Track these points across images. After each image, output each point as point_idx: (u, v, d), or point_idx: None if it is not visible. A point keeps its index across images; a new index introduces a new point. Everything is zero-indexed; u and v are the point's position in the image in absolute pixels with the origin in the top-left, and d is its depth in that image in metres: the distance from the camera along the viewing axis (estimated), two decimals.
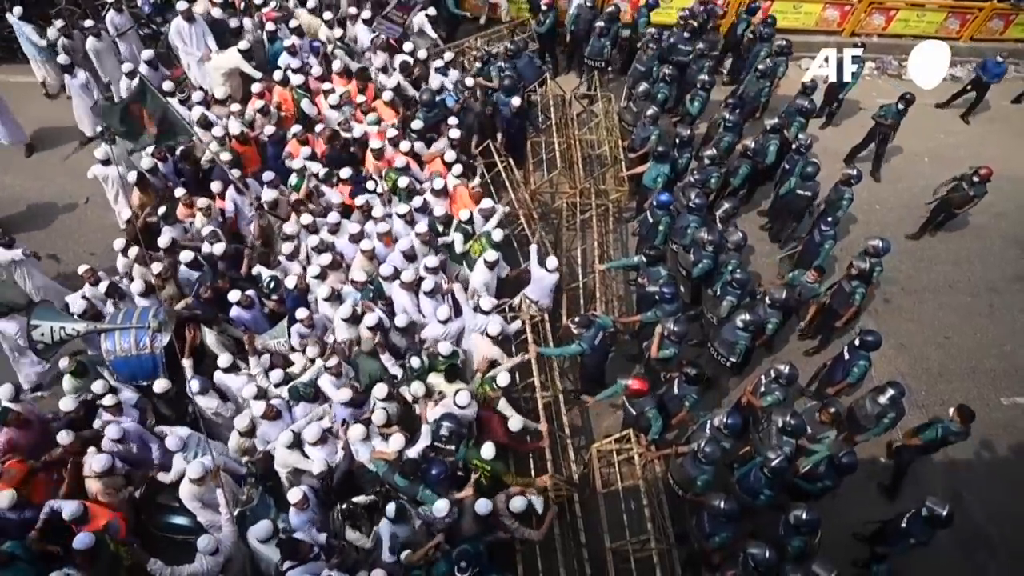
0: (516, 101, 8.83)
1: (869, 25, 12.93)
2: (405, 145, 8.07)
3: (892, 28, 13.11)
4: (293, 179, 7.85)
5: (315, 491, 5.66)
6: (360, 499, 5.71)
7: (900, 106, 9.88)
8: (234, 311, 6.73)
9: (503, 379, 6.19)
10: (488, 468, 5.85)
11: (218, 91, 8.75)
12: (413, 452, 5.77)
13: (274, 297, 6.87)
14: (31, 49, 9.49)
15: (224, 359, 6.22)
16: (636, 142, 9.39)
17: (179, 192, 7.50)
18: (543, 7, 10.61)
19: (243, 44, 8.93)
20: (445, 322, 6.59)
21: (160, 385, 6.06)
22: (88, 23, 9.20)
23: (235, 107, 8.45)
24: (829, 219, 8.22)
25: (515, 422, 6.10)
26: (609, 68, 11.03)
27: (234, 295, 6.64)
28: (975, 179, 9.07)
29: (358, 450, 5.87)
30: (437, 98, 8.65)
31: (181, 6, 9.02)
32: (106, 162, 7.66)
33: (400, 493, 5.62)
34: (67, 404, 5.89)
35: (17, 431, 5.74)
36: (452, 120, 8.51)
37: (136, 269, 6.91)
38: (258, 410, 5.89)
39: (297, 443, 5.78)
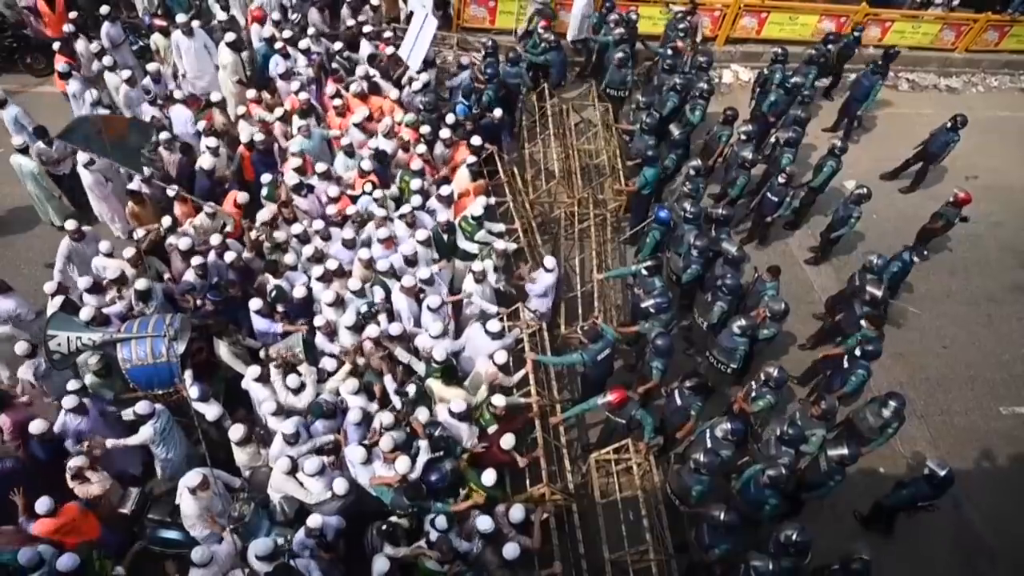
0: (498, 113, 8.83)
1: (865, 36, 13.00)
2: (422, 148, 8.09)
3: (888, 39, 13.19)
4: (265, 191, 7.72)
5: (337, 531, 5.48)
6: (395, 520, 5.58)
7: (948, 124, 9.90)
8: (254, 319, 6.65)
9: (499, 400, 6.11)
10: (484, 494, 5.82)
11: (231, 104, 8.76)
12: (416, 474, 5.61)
13: (279, 308, 6.76)
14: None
15: (253, 370, 6.16)
16: (632, 151, 9.43)
17: (171, 191, 7.40)
18: (543, 44, 10.33)
19: (229, 36, 8.88)
20: (437, 337, 6.48)
21: (212, 412, 5.98)
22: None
23: (240, 109, 8.44)
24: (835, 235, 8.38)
25: (507, 439, 5.97)
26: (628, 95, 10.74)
27: (255, 303, 6.54)
28: (950, 200, 9.09)
29: (357, 473, 5.72)
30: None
31: (180, 18, 9.02)
32: (88, 164, 7.62)
33: (412, 513, 5.54)
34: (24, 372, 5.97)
35: (13, 411, 5.79)
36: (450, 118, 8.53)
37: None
38: (287, 430, 5.73)
39: (294, 470, 5.61)
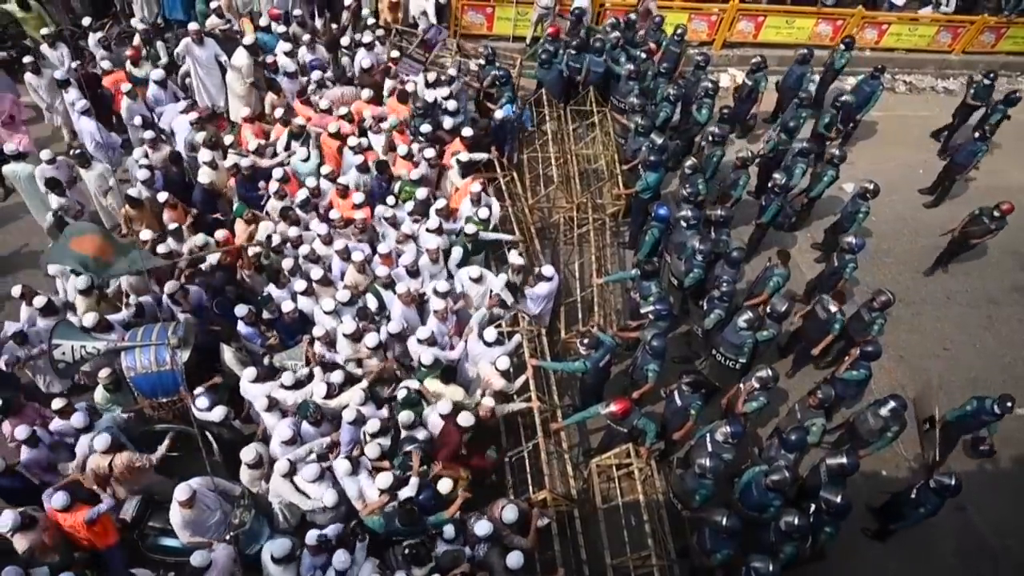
0: (499, 114, 8.81)
1: (862, 39, 13.03)
2: (403, 149, 8.06)
3: (884, 42, 13.24)
4: (236, 206, 7.63)
5: (328, 539, 5.33)
6: (412, 542, 5.43)
7: (976, 135, 9.85)
8: (239, 326, 6.65)
9: (488, 403, 6.11)
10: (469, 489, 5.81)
11: (238, 108, 8.76)
12: (403, 496, 5.51)
13: (264, 314, 6.70)
14: None
15: (250, 372, 6.16)
16: (627, 154, 9.44)
17: (162, 197, 7.34)
18: (546, 50, 10.14)
19: (248, 39, 8.93)
20: (424, 342, 6.43)
21: (218, 414, 5.95)
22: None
23: (246, 111, 8.46)
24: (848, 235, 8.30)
25: (465, 417, 5.84)
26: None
27: (240, 309, 6.53)
28: (995, 213, 8.92)
29: (346, 486, 5.64)
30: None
31: (192, 27, 9.00)
32: (50, 162, 7.53)
33: (412, 536, 5.44)
34: None
35: (16, 418, 5.83)
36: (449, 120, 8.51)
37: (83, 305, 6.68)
38: (281, 433, 5.73)
39: (292, 472, 5.56)
